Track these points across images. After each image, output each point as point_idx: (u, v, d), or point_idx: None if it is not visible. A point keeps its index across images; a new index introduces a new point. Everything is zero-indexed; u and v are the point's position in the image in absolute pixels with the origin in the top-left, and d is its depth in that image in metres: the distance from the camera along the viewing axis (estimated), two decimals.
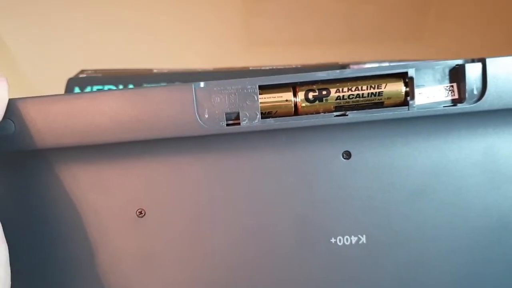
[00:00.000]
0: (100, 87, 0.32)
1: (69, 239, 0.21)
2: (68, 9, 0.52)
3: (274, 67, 0.33)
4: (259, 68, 0.33)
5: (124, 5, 0.53)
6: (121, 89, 0.20)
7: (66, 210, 0.21)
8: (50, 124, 0.20)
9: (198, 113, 0.20)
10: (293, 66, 0.33)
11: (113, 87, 0.32)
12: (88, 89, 0.32)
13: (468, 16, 0.55)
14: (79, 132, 0.20)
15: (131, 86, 0.32)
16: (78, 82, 0.32)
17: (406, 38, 0.56)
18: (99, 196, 0.21)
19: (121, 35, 0.53)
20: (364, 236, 0.21)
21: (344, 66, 0.33)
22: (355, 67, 0.33)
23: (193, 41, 0.55)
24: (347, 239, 0.21)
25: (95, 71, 0.34)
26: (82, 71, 0.34)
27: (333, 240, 0.21)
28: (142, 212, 0.21)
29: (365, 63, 0.33)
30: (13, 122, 0.20)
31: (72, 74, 0.33)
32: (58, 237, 0.21)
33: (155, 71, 0.34)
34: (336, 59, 0.35)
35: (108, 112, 0.20)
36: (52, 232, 0.21)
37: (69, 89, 0.32)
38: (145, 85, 0.32)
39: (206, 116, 0.20)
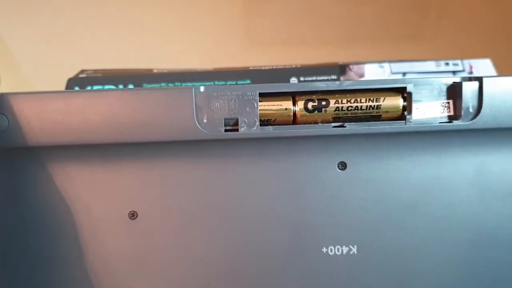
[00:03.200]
0: (100, 87, 0.32)
1: (60, 239, 0.21)
2: (68, 9, 0.52)
3: (274, 67, 0.33)
4: (259, 68, 0.33)
5: (124, 5, 0.53)
6: (120, 88, 0.20)
7: (58, 209, 0.21)
8: (45, 121, 0.19)
9: (197, 117, 0.19)
10: (293, 66, 0.33)
11: (113, 87, 0.32)
12: (88, 89, 0.32)
13: (468, 16, 0.55)
14: (74, 130, 0.19)
15: (131, 86, 0.32)
16: (78, 82, 0.32)
17: (406, 38, 0.56)
18: (92, 196, 0.21)
19: (121, 35, 0.53)
20: (355, 246, 0.21)
21: (344, 66, 0.33)
22: (355, 67, 0.33)
23: (193, 41, 0.55)
24: (338, 249, 0.21)
25: (95, 71, 0.34)
26: (82, 71, 0.34)
27: (324, 249, 0.21)
28: (134, 214, 0.21)
29: (365, 63, 0.33)
30: (6, 117, 0.19)
31: (72, 74, 0.33)
32: (49, 236, 0.21)
33: (155, 71, 0.34)
34: (336, 59, 0.35)
35: (105, 112, 0.19)
36: (43, 231, 0.21)
37: (69, 89, 0.32)
38: (145, 85, 0.32)
39: (205, 120, 0.19)
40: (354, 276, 0.21)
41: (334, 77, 0.33)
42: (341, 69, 0.33)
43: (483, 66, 0.33)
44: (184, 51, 0.54)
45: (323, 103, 0.20)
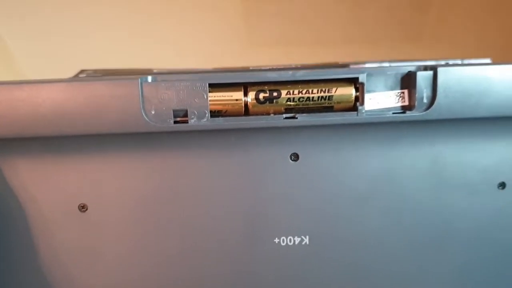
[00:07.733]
0: None
1: (9, 232, 0.21)
2: (68, 9, 0.52)
3: (274, 67, 0.33)
4: (259, 68, 0.33)
5: (124, 5, 0.53)
6: (65, 79, 0.19)
7: (6, 203, 0.20)
8: None
9: (144, 109, 0.19)
10: (293, 66, 0.33)
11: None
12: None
13: (467, 17, 0.55)
14: (20, 123, 0.19)
15: None
16: None
17: (406, 38, 0.56)
18: (42, 189, 0.20)
19: (121, 35, 0.53)
20: (307, 237, 0.21)
21: (344, 66, 0.33)
22: (355, 67, 0.33)
23: (193, 41, 0.55)
24: (290, 240, 0.21)
25: (95, 71, 0.34)
26: (82, 71, 0.34)
27: (276, 240, 0.21)
28: (85, 207, 0.21)
29: (365, 63, 0.33)
30: None
31: (72, 74, 0.33)
32: None
33: (155, 71, 0.34)
34: (336, 59, 0.35)
35: (50, 104, 0.19)
36: None
37: None
38: None
39: (153, 112, 0.19)
40: (306, 266, 0.21)
41: None
42: None
43: None
44: (184, 51, 0.54)
45: (275, 94, 0.19)
